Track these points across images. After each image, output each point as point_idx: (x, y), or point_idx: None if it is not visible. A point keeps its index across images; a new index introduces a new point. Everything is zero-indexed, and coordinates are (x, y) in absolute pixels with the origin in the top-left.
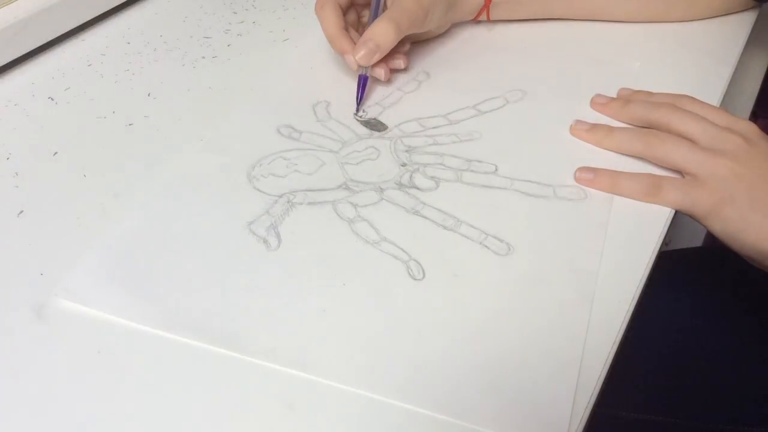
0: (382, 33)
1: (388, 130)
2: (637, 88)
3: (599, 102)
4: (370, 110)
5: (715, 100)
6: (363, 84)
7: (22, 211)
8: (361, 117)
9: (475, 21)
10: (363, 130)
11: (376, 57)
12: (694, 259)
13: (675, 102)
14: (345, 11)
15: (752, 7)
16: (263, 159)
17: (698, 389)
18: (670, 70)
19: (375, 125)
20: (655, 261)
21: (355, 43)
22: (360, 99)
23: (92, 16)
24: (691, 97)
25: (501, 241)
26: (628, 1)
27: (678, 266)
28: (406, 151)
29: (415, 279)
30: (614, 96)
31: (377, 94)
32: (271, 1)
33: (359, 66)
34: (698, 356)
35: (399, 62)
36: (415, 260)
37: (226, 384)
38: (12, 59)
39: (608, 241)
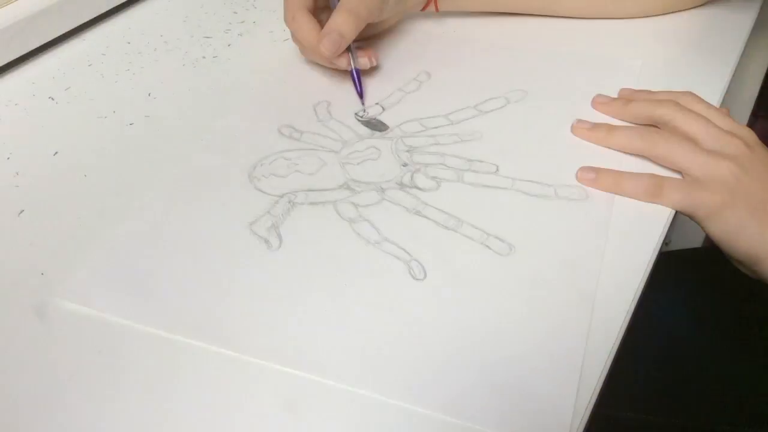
0: (343, 22)
1: (389, 130)
2: (639, 87)
3: (600, 101)
4: (371, 110)
5: (715, 100)
6: (357, 77)
7: (22, 211)
8: (362, 117)
9: (424, 11)
10: (364, 130)
11: (342, 46)
12: (694, 259)
13: (678, 100)
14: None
15: (700, 5)
16: (264, 159)
17: (698, 389)
18: (670, 69)
19: (376, 125)
20: (655, 261)
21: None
22: (361, 92)
23: (92, 16)
24: (694, 95)
25: (502, 241)
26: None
27: (678, 266)
28: (408, 151)
29: (416, 279)
30: (615, 95)
31: (378, 93)
32: (271, 1)
33: (349, 63)
34: (698, 356)
35: (374, 60)
36: (416, 260)
37: (226, 384)
38: (12, 59)
39: (609, 241)
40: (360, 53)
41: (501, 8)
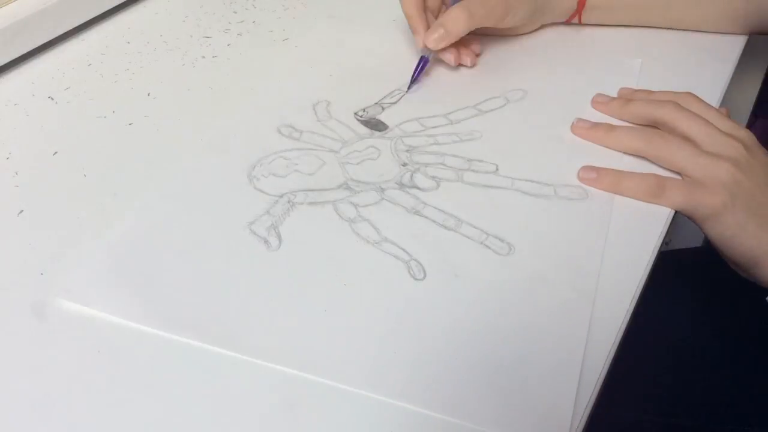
0: (453, 20)
1: (388, 129)
2: (638, 87)
3: (600, 101)
4: (370, 110)
5: (715, 100)
6: (422, 65)
7: (22, 211)
8: (361, 116)
9: (567, 23)
10: (363, 130)
11: (444, 43)
12: (694, 259)
13: (678, 100)
14: None
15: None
16: (264, 159)
17: (698, 389)
18: (670, 69)
19: (375, 125)
20: (655, 261)
21: (428, 26)
22: (415, 78)
23: (92, 16)
24: (694, 96)
25: (502, 241)
26: (724, 18)
27: (678, 266)
28: (407, 150)
29: (416, 279)
30: (615, 95)
31: (377, 93)
32: (271, 0)
33: (425, 47)
34: (698, 356)
35: (466, 59)
36: (416, 260)
37: (226, 384)
38: (12, 59)
39: (608, 241)
40: (462, 50)
41: (648, 24)
